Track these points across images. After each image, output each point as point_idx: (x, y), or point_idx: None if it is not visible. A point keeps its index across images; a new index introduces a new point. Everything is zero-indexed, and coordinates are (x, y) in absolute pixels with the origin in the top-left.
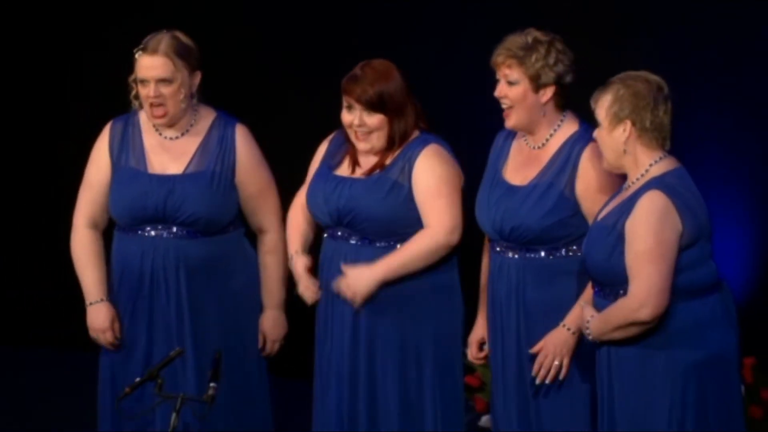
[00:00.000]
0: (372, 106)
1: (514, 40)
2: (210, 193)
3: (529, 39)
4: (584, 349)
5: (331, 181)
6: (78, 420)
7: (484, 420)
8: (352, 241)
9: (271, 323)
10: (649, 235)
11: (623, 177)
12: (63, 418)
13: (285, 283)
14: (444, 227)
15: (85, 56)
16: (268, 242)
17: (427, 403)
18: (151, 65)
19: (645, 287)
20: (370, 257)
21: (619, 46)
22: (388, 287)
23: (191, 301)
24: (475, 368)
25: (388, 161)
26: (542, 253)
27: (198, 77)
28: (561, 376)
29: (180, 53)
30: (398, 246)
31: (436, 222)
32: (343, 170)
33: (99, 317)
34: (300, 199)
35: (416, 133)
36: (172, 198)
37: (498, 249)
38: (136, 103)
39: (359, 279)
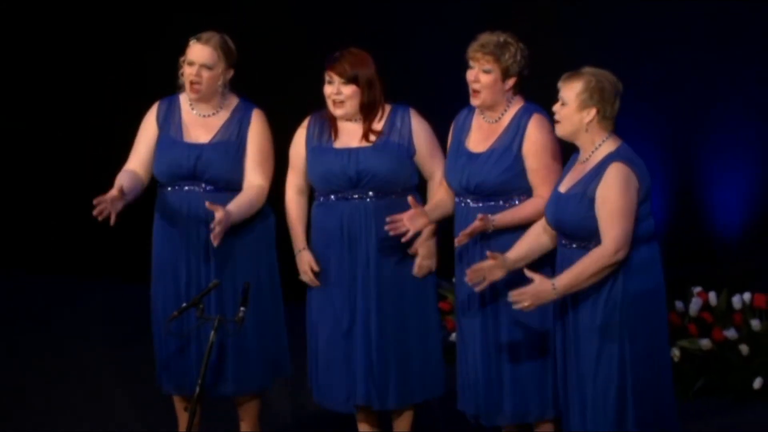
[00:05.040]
0: (348, 79)
1: (490, 39)
2: (228, 158)
3: (501, 39)
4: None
5: (341, 154)
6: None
7: (454, 336)
8: (368, 199)
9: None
10: (619, 197)
11: (561, 142)
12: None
13: (243, 209)
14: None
15: (146, 55)
16: (257, 187)
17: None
18: (201, 53)
19: (621, 236)
20: (386, 211)
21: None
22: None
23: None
24: (446, 295)
25: (379, 128)
26: (501, 202)
27: (231, 73)
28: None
29: (224, 50)
30: (409, 197)
31: (441, 173)
32: (340, 143)
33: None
34: (292, 185)
35: (388, 105)
36: (200, 162)
37: (464, 202)
38: (182, 79)
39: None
